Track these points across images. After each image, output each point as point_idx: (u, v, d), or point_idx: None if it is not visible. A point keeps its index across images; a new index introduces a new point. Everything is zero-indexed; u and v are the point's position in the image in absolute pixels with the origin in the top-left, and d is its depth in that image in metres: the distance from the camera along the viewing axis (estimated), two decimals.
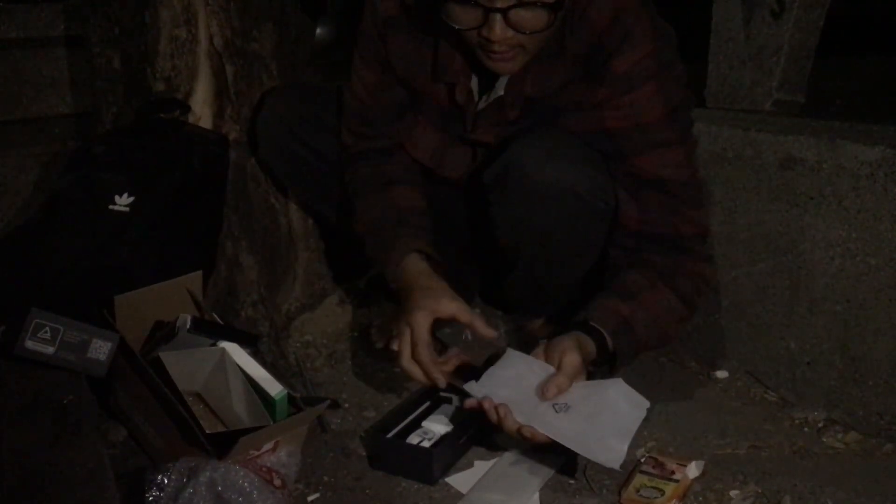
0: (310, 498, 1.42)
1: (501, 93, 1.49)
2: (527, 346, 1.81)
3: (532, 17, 1.33)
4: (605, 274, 1.54)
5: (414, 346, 1.42)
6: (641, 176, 1.46)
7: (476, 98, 1.53)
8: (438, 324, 1.45)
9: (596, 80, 1.44)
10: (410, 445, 1.48)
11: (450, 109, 1.56)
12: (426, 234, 1.57)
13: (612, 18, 1.40)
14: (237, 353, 1.48)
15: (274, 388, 1.42)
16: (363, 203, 1.64)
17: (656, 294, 1.46)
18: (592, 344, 1.40)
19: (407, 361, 1.44)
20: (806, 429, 1.58)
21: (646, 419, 1.59)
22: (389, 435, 1.50)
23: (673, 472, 1.41)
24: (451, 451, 1.49)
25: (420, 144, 1.63)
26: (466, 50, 1.44)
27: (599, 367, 1.44)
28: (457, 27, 1.37)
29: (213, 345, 1.49)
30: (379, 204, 1.61)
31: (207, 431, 1.35)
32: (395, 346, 1.45)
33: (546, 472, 1.44)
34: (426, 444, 1.48)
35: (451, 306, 1.43)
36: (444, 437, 1.50)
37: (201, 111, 1.78)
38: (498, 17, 1.32)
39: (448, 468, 1.47)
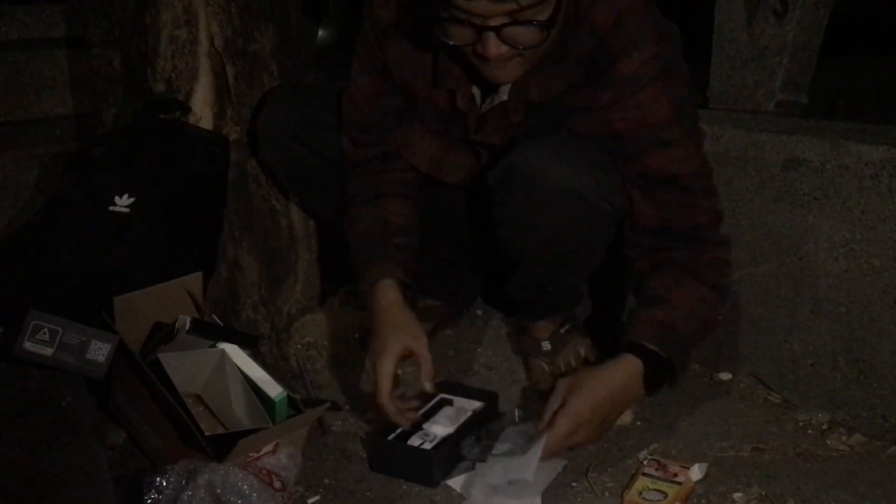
0: (310, 500, 1.41)
1: (505, 97, 1.48)
2: (528, 349, 1.82)
3: (526, 33, 1.33)
4: (627, 281, 1.55)
5: (378, 393, 1.47)
6: (652, 174, 1.46)
7: (478, 102, 1.53)
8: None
9: (601, 83, 1.43)
10: (411, 448, 1.47)
11: (450, 114, 1.56)
12: (407, 255, 1.60)
13: (616, 21, 1.39)
14: (237, 355, 1.47)
15: (274, 389, 1.42)
16: (355, 212, 1.66)
17: (685, 289, 1.46)
18: (638, 363, 1.39)
19: (375, 404, 1.50)
20: (810, 431, 1.57)
21: (649, 421, 1.60)
22: (390, 437, 1.50)
23: (676, 475, 1.40)
24: (452, 454, 1.48)
25: (417, 151, 1.63)
26: (465, 59, 1.44)
27: (660, 376, 1.43)
28: (451, 43, 1.37)
29: (213, 346, 1.48)
30: (369, 215, 1.63)
31: (207, 433, 1.34)
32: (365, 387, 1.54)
33: (549, 475, 1.43)
34: (427, 446, 1.47)
35: (412, 345, 1.49)
36: (445, 440, 1.49)
37: (202, 112, 1.77)
38: (492, 34, 1.32)
39: (449, 471, 1.46)
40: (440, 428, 1.51)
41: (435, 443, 1.48)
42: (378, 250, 1.59)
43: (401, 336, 1.49)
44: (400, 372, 1.55)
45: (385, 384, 1.46)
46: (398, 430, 1.51)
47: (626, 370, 1.40)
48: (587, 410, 1.35)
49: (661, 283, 1.47)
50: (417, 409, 1.53)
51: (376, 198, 1.64)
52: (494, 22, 1.30)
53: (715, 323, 1.52)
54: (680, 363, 1.44)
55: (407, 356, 1.49)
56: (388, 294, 1.54)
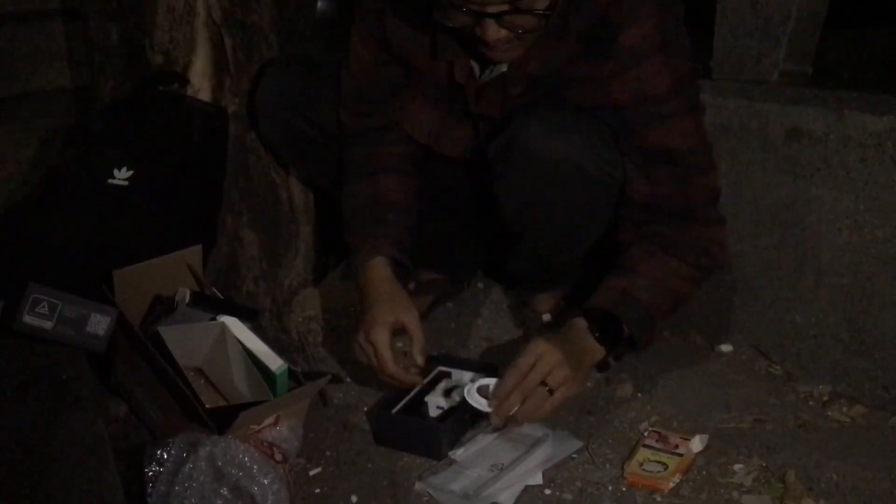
0: (311, 472, 1.41)
1: (504, 69, 1.48)
2: (529, 322, 1.82)
3: (525, 20, 1.34)
4: (614, 255, 1.53)
5: (382, 363, 1.46)
6: (650, 149, 1.45)
7: (477, 74, 1.52)
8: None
9: (601, 55, 1.42)
10: (418, 421, 1.47)
11: (450, 86, 1.55)
12: (400, 232, 1.60)
13: None
14: (237, 328, 1.47)
15: (274, 362, 1.42)
16: (351, 187, 1.66)
17: (655, 261, 1.46)
18: (581, 320, 1.41)
19: (382, 374, 1.49)
20: (811, 402, 1.57)
21: (650, 393, 1.60)
22: (394, 410, 1.49)
23: (676, 446, 1.40)
24: (457, 426, 1.48)
25: (417, 122, 1.62)
26: (465, 35, 1.43)
27: (610, 331, 1.43)
28: (451, 25, 1.37)
29: (213, 319, 1.48)
30: (364, 192, 1.63)
31: (208, 406, 1.34)
32: (360, 358, 1.51)
33: (549, 447, 1.43)
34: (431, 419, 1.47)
35: (403, 318, 1.48)
36: (448, 412, 1.49)
37: (200, 84, 1.76)
38: (491, 20, 1.33)
39: (454, 443, 1.46)
40: (442, 400, 1.51)
41: (439, 416, 1.48)
42: (370, 228, 1.59)
43: (391, 308, 1.48)
44: (401, 344, 1.55)
45: (386, 353, 1.46)
46: (401, 404, 1.51)
47: (569, 329, 1.42)
48: (528, 369, 1.35)
49: (633, 254, 1.48)
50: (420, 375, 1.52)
51: (372, 174, 1.64)
52: (493, 9, 1.31)
53: (688, 295, 1.52)
54: (637, 324, 1.44)
55: (398, 330, 1.49)
56: (379, 271, 1.54)
